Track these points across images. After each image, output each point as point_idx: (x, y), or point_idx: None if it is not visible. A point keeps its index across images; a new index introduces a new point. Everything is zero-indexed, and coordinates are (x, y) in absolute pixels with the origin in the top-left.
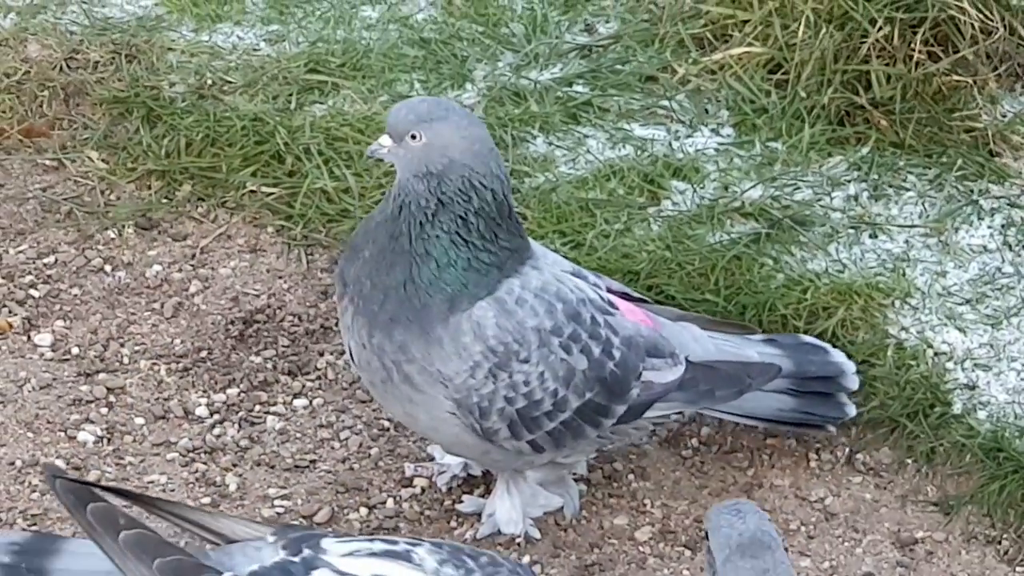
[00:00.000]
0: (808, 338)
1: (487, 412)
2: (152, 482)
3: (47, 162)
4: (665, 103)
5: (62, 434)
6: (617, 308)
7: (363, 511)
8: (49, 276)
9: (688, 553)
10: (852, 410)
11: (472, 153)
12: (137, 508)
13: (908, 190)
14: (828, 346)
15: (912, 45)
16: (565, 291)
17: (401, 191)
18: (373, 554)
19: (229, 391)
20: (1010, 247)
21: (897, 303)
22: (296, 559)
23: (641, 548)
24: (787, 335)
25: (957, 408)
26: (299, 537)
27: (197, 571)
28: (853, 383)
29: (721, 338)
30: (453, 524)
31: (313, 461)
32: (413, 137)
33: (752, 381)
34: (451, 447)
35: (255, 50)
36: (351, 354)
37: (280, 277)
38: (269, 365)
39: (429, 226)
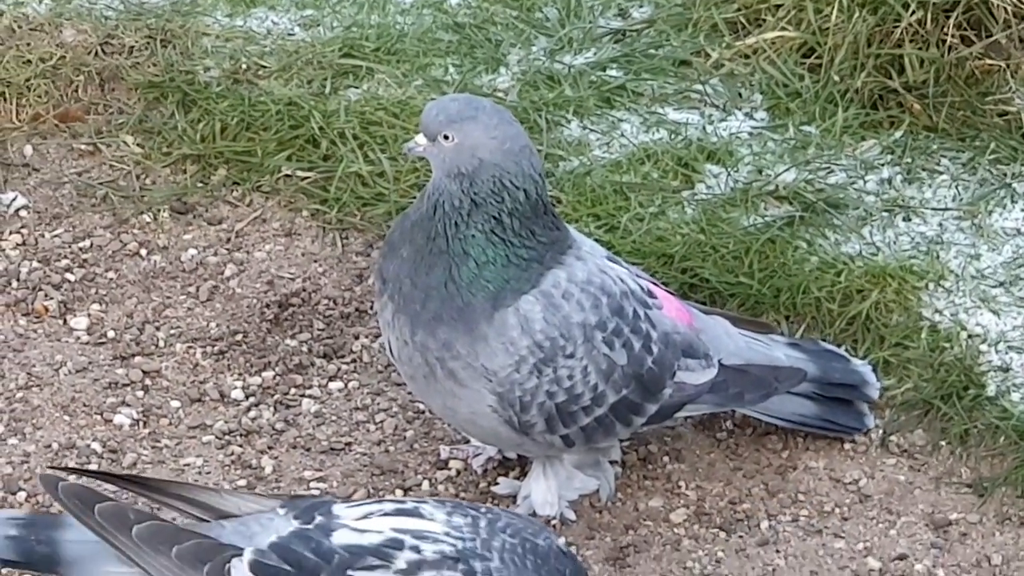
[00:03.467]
0: (829, 345)
1: (528, 406)
2: (188, 465)
3: (83, 147)
4: (699, 87)
5: (98, 417)
6: (655, 297)
7: (398, 493)
8: (85, 260)
9: (723, 535)
10: (871, 421)
11: (503, 152)
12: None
13: (941, 173)
14: (848, 355)
15: (945, 29)
16: (609, 283)
17: (435, 190)
18: (386, 514)
19: (264, 374)
20: None
21: (931, 286)
22: (311, 526)
23: (676, 530)
24: (809, 340)
25: (991, 390)
26: (310, 506)
27: (218, 551)
28: (874, 392)
29: (750, 335)
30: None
31: (348, 444)
32: (446, 138)
33: (779, 385)
34: (486, 438)
35: (290, 35)
36: (391, 349)
37: (315, 261)
38: (304, 348)
39: (464, 226)
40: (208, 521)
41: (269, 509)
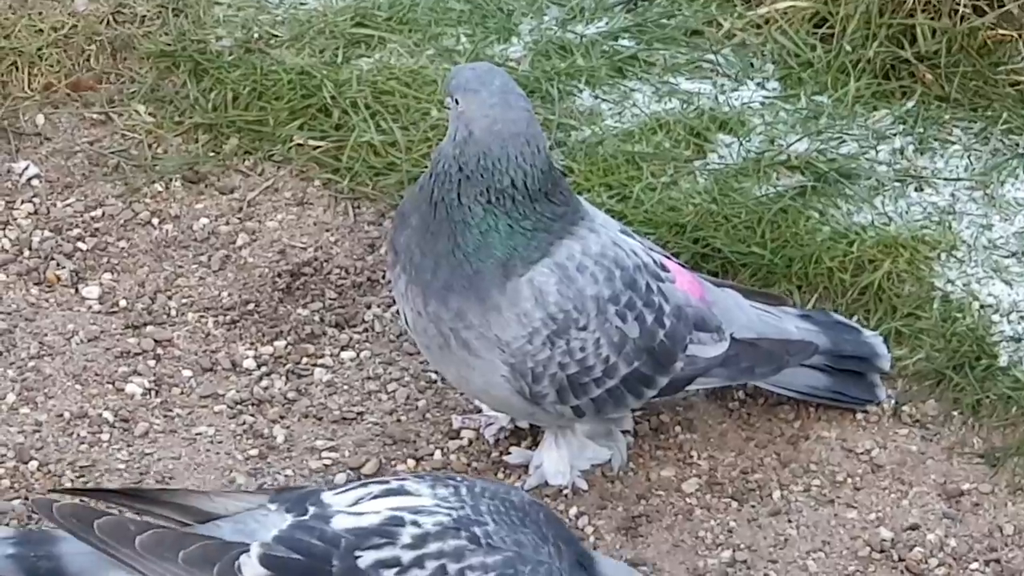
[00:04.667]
0: (840, 317)
1: (540, 377)
2: (200, 434)
3: (94, 116)
4: (711, 57)
5: (110, 386)
6: (668, 270)
7: (410, 463)
8: (96, 229)
9: (735, 504)
10: (882, 393)
11: (491, 132)
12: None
13: (953, 143)
14: (859, 327)
15: None
16: (623, 256)
17: (439, 153)
18: (376, 496)
19: (276, 343)
20: None
21: (943, 256)
22: (307, 517)
23: (688, 500)
24: (820, 312)
25: (1003, 360)
26: (299, 497)
27: (224, 550)
28: (885, 364)
29: (761, 307)
30: (500, 476)
31: (360, 413)
32: (456, 102)
33: (790, 358)
34: (498, 407)
35: (302, 4)
36: (406, 320)
37: (327, 230)
38: (316, 318)
39: (456, 193)
40: (203, 524)
41: (258, 506)
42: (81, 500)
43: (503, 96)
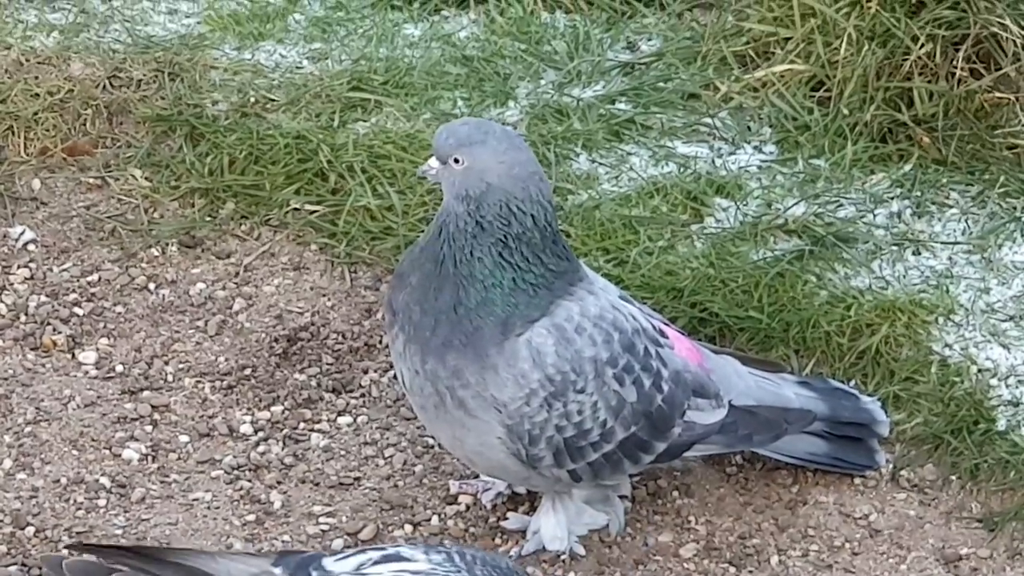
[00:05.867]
0: (838, 383)
1: (536, 440)
2: (197, 500)
3: (91, 180)
4: (708, 120)
5: (107, 452)
6: (667, 337)
7: (408, 528)
8: (93, 294)
9: (733, 570)
10: (882, 458)
11: (511, 178)
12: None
13: (951, 207)
14: (858, 392)
15: (954, 62)
16: (621, 319)
17: (444, 213)
18: (376, 562)
19: (273, 408)
20: None
21: (941, 320)
22: None
23: (686, 565)
24: (818, 378)
25: (1001, 425)
26: (301, 562)
27: None
28: (884, 430)
29: (760, 375)
30: (498, 541)
31: (358, 478)
32: (456, 161)
33: (789, 427)
34: (492, 471)
35: (298, 68)
36: (403, 381)
37: (324, 295)
38: (313, 383)
39: (470, 249)
40: None
41: (262, 570)
42: (86, 556)
43: (509, 141)
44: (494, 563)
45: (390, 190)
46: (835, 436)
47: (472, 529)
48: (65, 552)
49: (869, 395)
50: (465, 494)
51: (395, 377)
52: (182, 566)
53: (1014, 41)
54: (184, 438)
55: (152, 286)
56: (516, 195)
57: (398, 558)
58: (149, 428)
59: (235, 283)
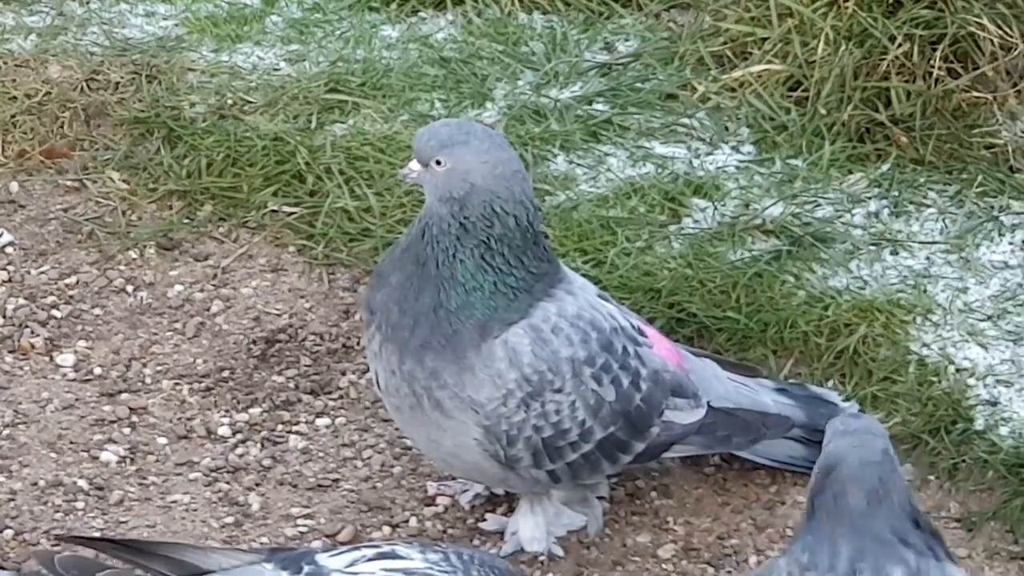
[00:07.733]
0: (817, 389)
1: (514, 440)
2: (175, 502)
3: (68, 183)
4: (685, 121)
5: (85, 454)
6: (646, 336)
7: (386, 530)
8: (71, 297)
9: (711, 570)
10: None
11: (495, 177)
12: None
13: (929, 206)
14: (837, 399)
15: (932, 62)
16: (599, 319)
17: (427, 215)
18: (370, 559)
19: (251, 411)
20: None
21: (918, 319)
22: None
23: (664, 565)
24: (796, 385)
25: (979, 424)
26: (294, 557)
27: None
28: None
29: (738, 380)
30: (476, 542)
31: (336, 480)
32: (438, 163)
33: (767, 431)
34: (468, 474)
35: (275, 70)
36: (378, 382)
37: (302, 296)
38: (291, 384)
39: (453, 251)
40: None
41: (254, 564)
42: (75, 550)
43: (491, 140)
44: (491, 564)
45: (368, 192)
46: (814, 442)
47: (450, 531)
48: (58, 548)
49: (847, 401)
50: (443, 495)
51: (366, 370)
52: (173, 559)
53: (991, 40)
54: (162, 440)
55: (130, 288)
56: (500, 195)
57: (392, 556)
58: (127, 430)
59: (213, 285)
